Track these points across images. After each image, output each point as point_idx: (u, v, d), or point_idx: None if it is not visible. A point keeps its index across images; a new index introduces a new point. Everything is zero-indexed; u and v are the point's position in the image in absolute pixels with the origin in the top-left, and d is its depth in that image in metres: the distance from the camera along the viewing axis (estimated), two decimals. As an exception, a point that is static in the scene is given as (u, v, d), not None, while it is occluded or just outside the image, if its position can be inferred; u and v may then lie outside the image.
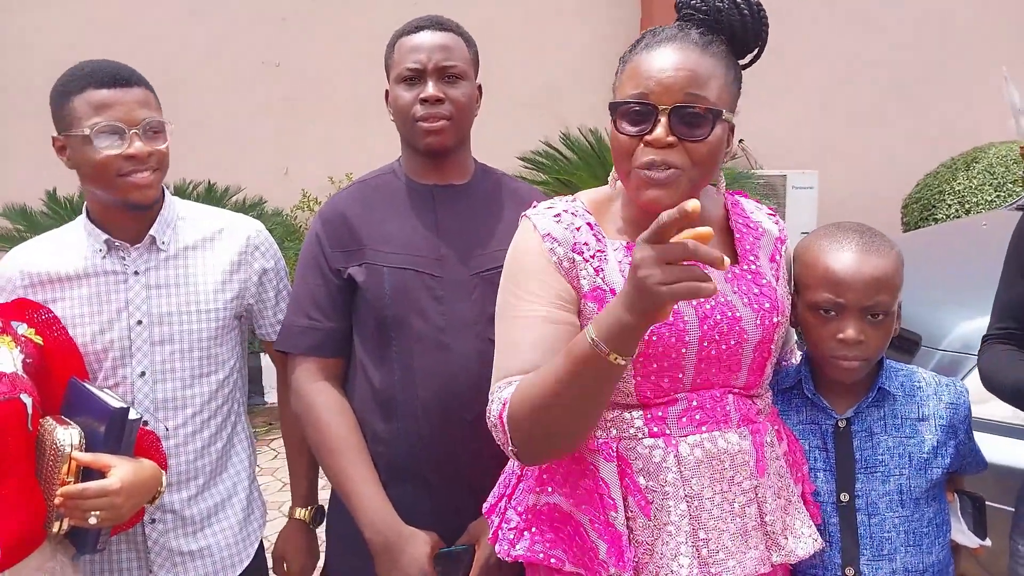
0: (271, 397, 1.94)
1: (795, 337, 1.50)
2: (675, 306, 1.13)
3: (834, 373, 1.35)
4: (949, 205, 5.58)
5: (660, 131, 1.12)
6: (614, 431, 1.19)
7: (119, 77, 1.48)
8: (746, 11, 1.17)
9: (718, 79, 1.15)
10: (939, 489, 1.39)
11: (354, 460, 1.51)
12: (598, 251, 1.20)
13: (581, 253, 1.20)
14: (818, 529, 1.28)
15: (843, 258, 1.30)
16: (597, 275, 1.18)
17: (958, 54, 7.23)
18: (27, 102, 5.77)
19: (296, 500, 1.74)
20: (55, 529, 1.32)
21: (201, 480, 1.59)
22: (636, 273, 0.94)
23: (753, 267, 1.27)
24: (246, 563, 1.66)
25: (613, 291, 1.17)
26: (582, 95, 6.20)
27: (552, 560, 1.21)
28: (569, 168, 5.54)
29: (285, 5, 5.89)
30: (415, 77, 1.53)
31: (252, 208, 5.16)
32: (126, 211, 1.54)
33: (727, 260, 0.90)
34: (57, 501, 1.28)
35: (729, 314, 1.20)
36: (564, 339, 1.13)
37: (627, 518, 1.16)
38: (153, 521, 1.55)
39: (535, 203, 1.28)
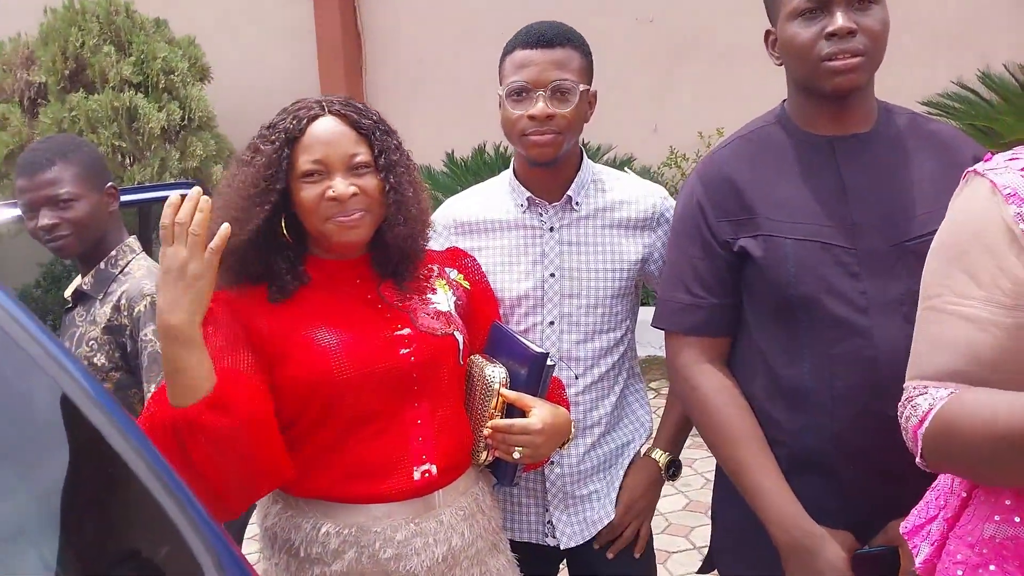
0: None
1: None
2: None
3: None
4: None
5: None
6: None
7: (543, 38, 1.50)
8: None
9: None
10: None
11: (754, 451, 1.36)
12: None
13: None
14: None
15: None
16: None
17: None
18: (427, 72, 6.45)
19: (657, 442, 1.68)
20: (481, 459, 1.41)
21: (597, 431, 1.62)
22: None
23: None
24: None
25: None
26: (1008, 26, 5.16)
27: None
28: (990, 113, 4.76)
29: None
30: (816, 8, 1.30)
31: (622, 166, 5.17)
32: (540, 170, 1.58)
33: None
34: (486, 432, 1.37)
35: None
36: (1002, 347, 0.94)
37: None
38: (552, 463, 1.59)
39: (989, 155, 1.03)
